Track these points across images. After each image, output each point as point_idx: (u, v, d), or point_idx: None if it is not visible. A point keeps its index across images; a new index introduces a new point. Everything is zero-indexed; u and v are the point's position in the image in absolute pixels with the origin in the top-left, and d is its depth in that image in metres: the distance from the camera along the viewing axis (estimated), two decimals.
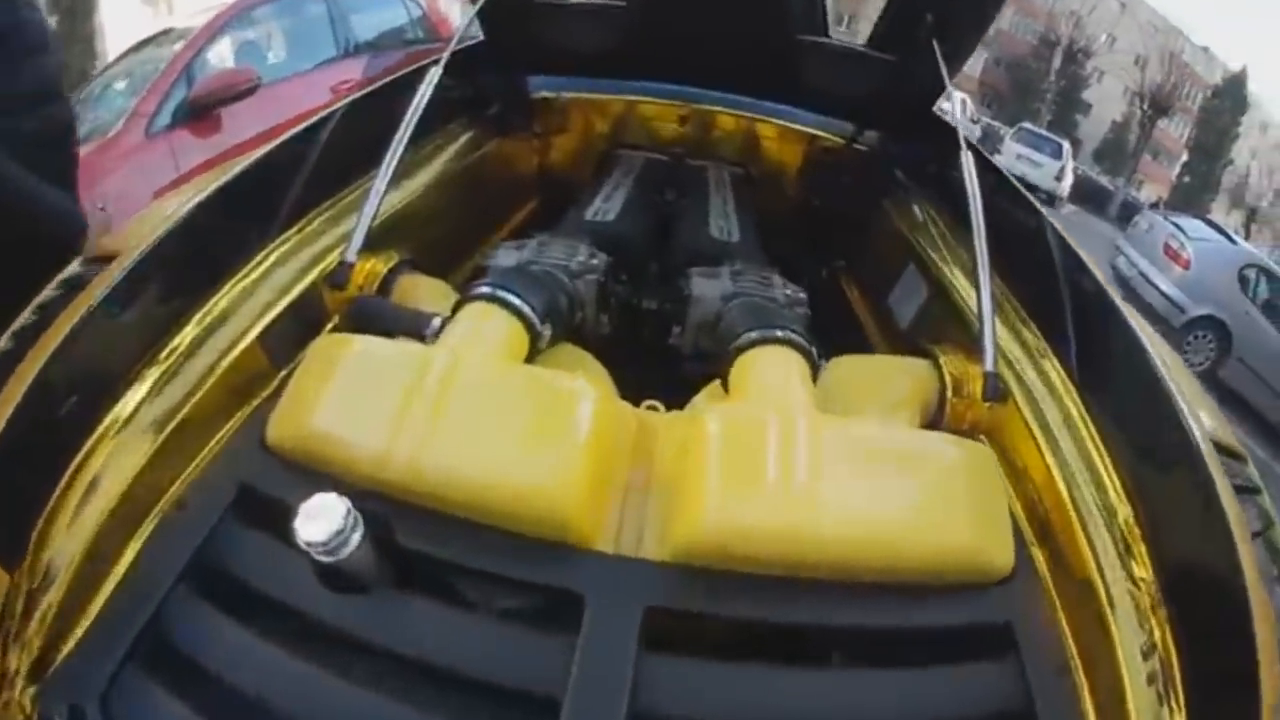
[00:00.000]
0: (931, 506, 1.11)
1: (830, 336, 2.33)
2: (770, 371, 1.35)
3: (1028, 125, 21.66)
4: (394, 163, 1.66)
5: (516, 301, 1.37)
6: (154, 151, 3.68)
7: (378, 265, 1.68)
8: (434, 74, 1.85)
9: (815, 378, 1.38)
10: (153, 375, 1.23)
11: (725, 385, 1.41)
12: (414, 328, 1.41)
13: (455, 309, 1.39)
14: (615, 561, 1.07)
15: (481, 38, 2.59)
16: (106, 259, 1.36)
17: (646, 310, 2.12)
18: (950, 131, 2.34)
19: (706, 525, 1.05)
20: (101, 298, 1.19)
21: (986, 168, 1.87)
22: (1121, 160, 31.18)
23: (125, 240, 1.43)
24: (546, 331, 1.39)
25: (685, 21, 2.49)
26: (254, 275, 1.46)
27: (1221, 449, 1.29)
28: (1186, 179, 31.41)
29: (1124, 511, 1.20)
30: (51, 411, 1.10)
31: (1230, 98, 30.97)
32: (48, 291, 1.45)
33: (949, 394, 1.52)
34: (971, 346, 1.59)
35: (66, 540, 1.04)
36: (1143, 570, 1.13)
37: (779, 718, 0.99)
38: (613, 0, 2.53)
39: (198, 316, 1.33)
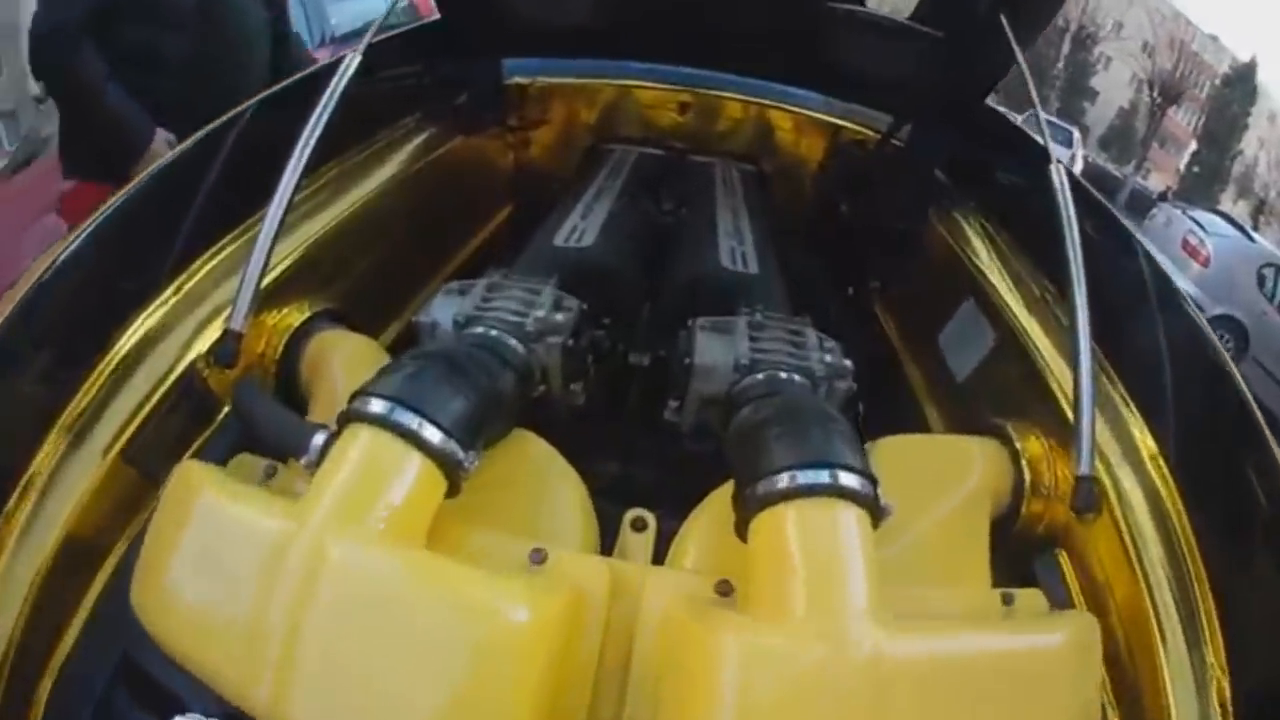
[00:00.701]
0: None
1: (860, 378, 2.00)
2: (815, 553, 0.89)
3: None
4: (290, 189, 1.29)
5: (417, 426, 0.93)
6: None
7: (286, 319, 1.39)
8: (350, 62, 1.45)
9: (877, 525, 0.95)
10: (22, 506, 1.05)
11: (743, 533, 0.97)
12: (291, 445, 1.02)
13: (340, 426, 0.97)
14: None
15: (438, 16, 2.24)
16: None
17: (635, 367, 1.68)
18: (1009, 129, 2.06)
19: None
20: None
21: (1070, 183, 1.48)
22: (1128, 147, 30.94)
23: None
24: (471, 461, 0.98)
25: None
26: (120, 358, 1.19)
27: None
28: (1195, 169, 31.03)
29: (1222, 685, 1.03)
30: None
31: (1240, 88, 30.57)
32: None
33: (1026, 490, 1.28)
34: (1050, 419, 1.36)
35: None
36: None
37: None
38: None
39: (59, 424, 1.11)
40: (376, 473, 0.91)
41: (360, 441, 0.93)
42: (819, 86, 2.64)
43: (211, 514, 0.91)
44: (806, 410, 1.10)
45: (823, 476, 0.92)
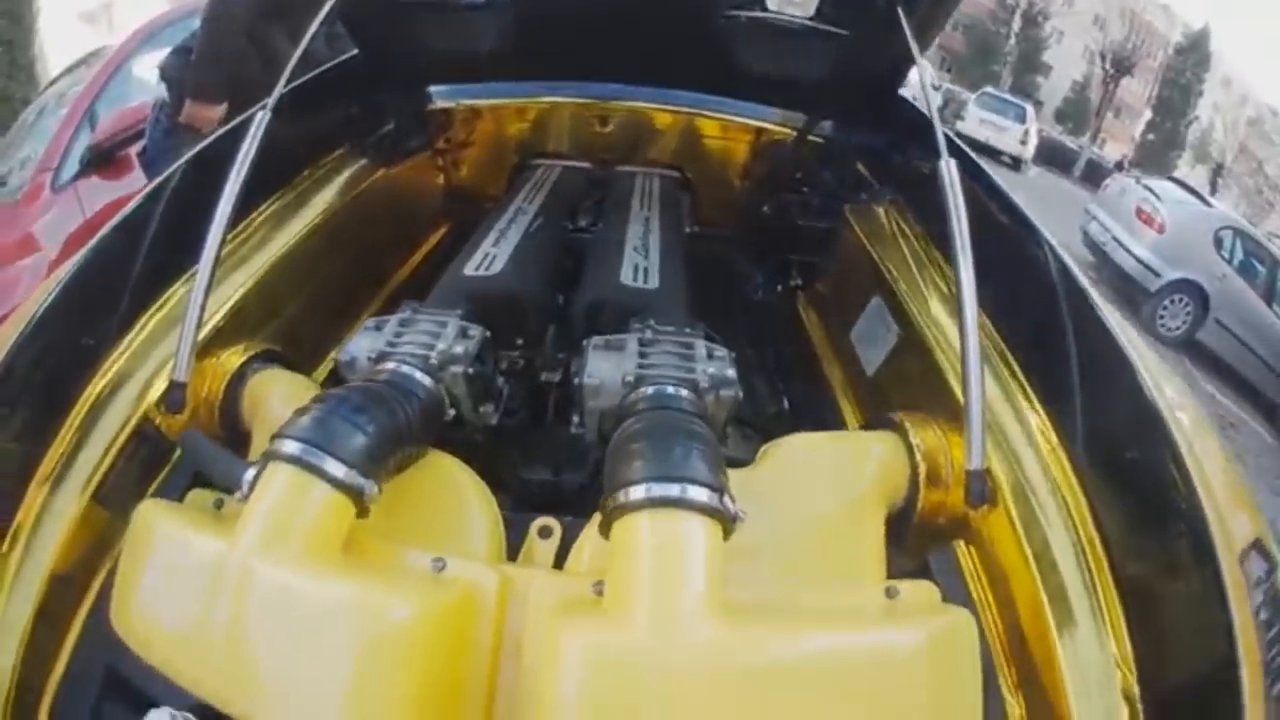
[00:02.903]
0: None
1: (784, 373, 2.18)
2: (659, 558, 0.97)
3: (990, 90, 21.58)
4: (218, 243, 1.38)
5: (324, 464, 1.06)
6: (61, 205, 3.56)
7: (226, 362, 1.51)
8: (261, 120, 1.52)
9: (728, 534, 1.02)
10: (13, 553, 1.19)
11: (606, 535, 1.06)
12: (228, 479, 1.16)
13: (262, 465, 1.09)
14: None
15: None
16: None
17: (548, 384, 1.76)
18: (920, 120, 2.03)
19: None
20: None
21: (969, 171, 1.49)
22: (1083, 119, 31.29)
23: None
24: (372, 489, 1.10)
25: (592, 6, 2.12)
26: (83, 414, 1.33)
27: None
28: (1151, 137, 31.34)
29: (1125, 674, 1.04)
30: None
31: (1193, 55, 30.86)
32: None
33: (921, 482, 1.30)
34: (950, 409, 1.36)
35: None
36: None
37: None
38: None
39: (37, 477, 1.25)
40: (292, 503, 1.05)
41: (278, 477, 1.06)
42: (733, 92, 2.66)
43: (166, 544, 1.07)
44: (672, 428, 1.17)
45: (673, 490, 1.00)
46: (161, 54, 3.78)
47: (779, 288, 2.65)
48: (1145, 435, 1.13)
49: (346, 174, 2.18)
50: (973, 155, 1.70)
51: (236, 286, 1.62)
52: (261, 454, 1.10)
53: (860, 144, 2.36)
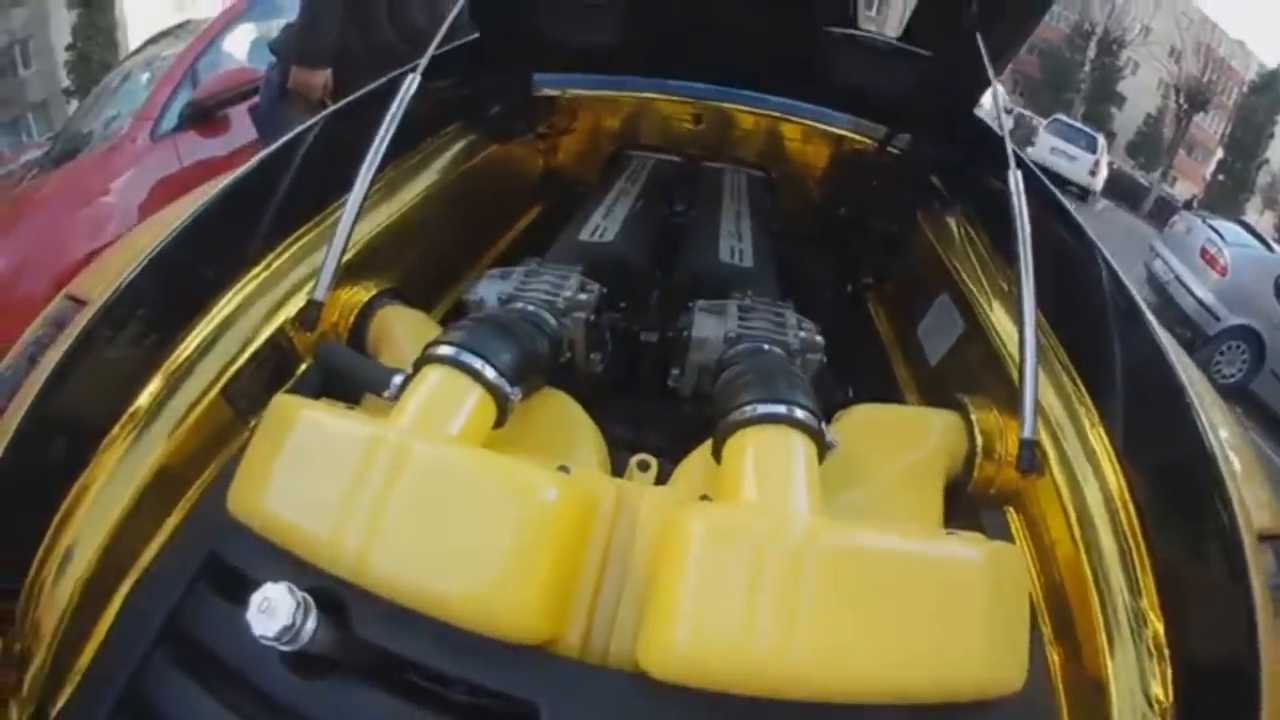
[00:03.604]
0: (938, 631, 0.98)
1: (851, 365, 2.20)
2: (768, 462, 1.14)
3: (1062, 117, 21.25)
4: (366, 185, 1.55)
5: (479, 366, 1.21)
6: (158, 153, 3.76)
7: (356, 296, 1.64)
8: (411, 82, 1.71)
9: (823, 457, 1.19)
10: (123, 435, 1.24)
11: (717, 455, 1.22)
12: (373, 384, 1.29)
13: (416, 368, 1.24)
14: (576, 669, 1.02)
15: (476, 35, 2.46)
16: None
17: (646, 344, 1.93)
18: (993, 138, 2.21)
19: (677, 645, 0.95)
20: (66, 356, 1.19)
21: (1035, 187, 1.69)
22: (1155, 154, 30.55)
23: (93, 284, 1.42)
24: (516, 395, 1.25)
25: (698, 13, 2.31)
26: (219, 319, 1.43)
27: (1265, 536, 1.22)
28: (1221, 178, 30.48)
29: (1155, 625, 1.14)
30: (27, 478, 1.13)
31: (1266, 95, 29.97)
32: (34, 328, 1.46)
33: (978, 455, 1.42)
34: (1007, 398, 1.48)
35: (50, 602, 1.10)
36: (1162, 693, 1.08)
37: None
38: None
39: (164, 368, 1.32)
40: (447, 396, 1.18)
41: (435, 375, 1.20)
42: (820, 101, 2.85)
43: (312, 425, 1.12)
44: (775, 367, 1.39)
45: (779, 409, 1.17)
46: (247, 29, 4.31)
47: (850, 286, 2.82)
48: (1180, 426, 1.22)
49: (460, 146, 2.38)
50: (1041, 175, 1.84)
51: (366, 232, 1.78)
52: (415, 360, 1.23)
53: (935, 158, 2.51)
